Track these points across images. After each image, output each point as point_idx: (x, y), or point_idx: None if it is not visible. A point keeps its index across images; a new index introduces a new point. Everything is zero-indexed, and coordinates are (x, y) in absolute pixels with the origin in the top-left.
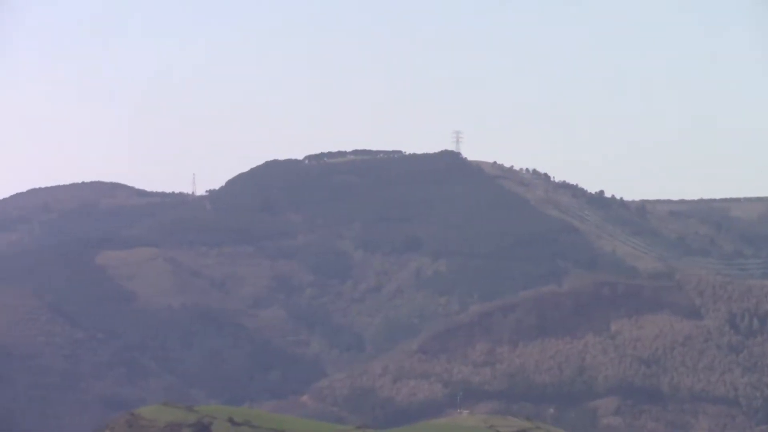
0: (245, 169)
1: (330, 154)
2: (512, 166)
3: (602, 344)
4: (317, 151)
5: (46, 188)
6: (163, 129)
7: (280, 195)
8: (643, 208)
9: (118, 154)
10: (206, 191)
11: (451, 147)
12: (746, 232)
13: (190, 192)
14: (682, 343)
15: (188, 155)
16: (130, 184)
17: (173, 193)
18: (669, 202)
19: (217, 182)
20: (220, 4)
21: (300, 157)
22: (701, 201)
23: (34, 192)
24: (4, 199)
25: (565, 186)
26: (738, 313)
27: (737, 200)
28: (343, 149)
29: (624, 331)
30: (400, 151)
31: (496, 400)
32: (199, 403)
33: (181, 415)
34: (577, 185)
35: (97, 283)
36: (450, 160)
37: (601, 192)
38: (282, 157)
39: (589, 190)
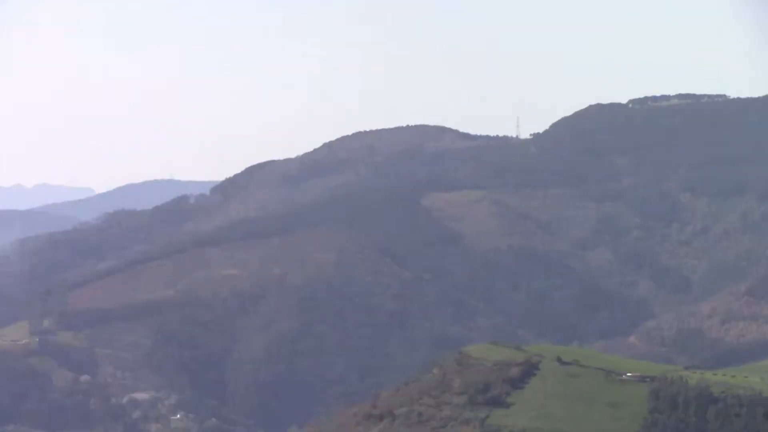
0: (569, 113)
1: (654, 98)
2: None
3: None
4: (641, 95)
5: (372, 131)
6: (490, 73)
7: (604, 138)
8: None
9: (445, 97)
10: (530, 135)
11: None
12: None
13: (514, 135)
14: None
15: (512, 99)
16: (455, 127)
17: (497, 136)
18: None
19: (541, 126)
20: None
21: (624, 101)
22: None
23: (360, 135)
24: (331, 143)
25: None
26: None
27: None
28: (666, 93)
29: None
30: (724, 95)
31: None
32: (527, 343)
33: (510, 354)
34: None
35: (424, 224)
36: None
37: None
38: (605, 100)
39: None
